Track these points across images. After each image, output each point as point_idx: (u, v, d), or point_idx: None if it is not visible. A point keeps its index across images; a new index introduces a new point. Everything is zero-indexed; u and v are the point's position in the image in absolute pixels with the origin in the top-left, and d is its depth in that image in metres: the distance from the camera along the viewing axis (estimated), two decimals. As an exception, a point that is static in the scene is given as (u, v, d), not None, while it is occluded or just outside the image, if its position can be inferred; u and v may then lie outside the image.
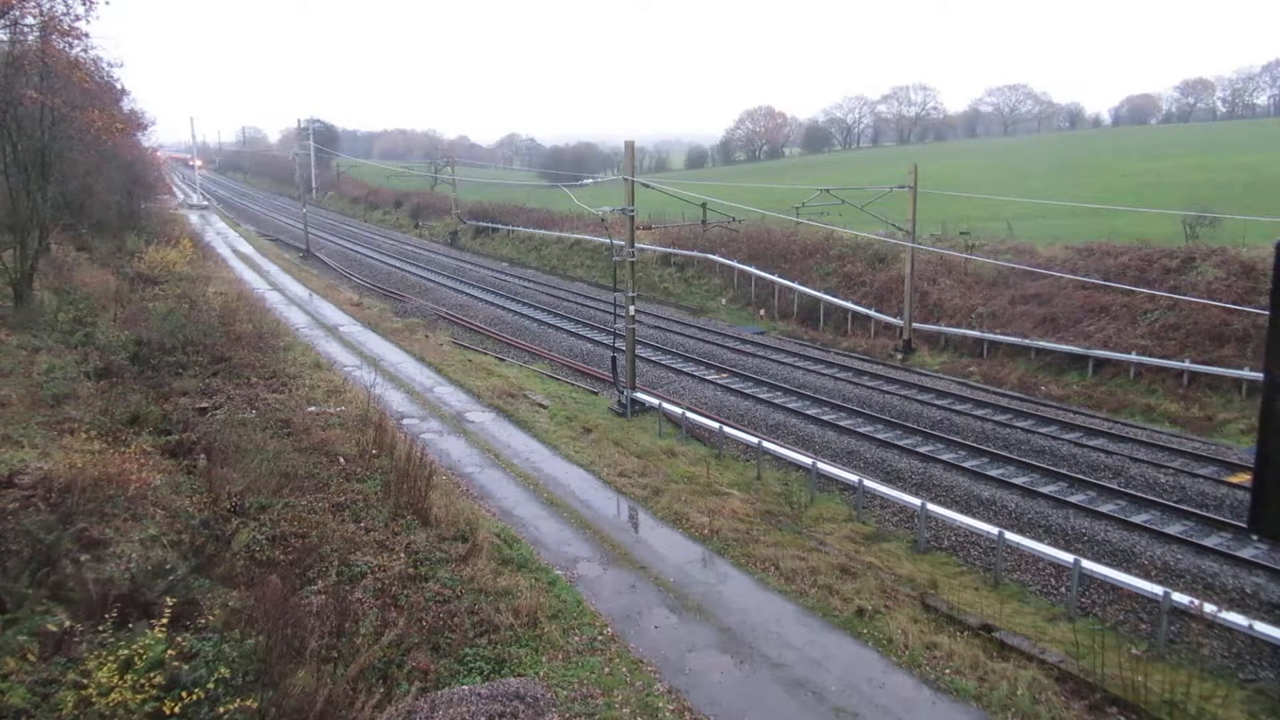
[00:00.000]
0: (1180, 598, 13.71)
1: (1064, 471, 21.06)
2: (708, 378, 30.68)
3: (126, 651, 8.53)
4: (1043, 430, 24.17)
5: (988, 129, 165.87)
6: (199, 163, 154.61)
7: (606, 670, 11.86)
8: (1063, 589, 15.55)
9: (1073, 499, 19.44)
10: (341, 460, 17.89)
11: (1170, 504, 18.96)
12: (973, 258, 36.55)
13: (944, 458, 22.20)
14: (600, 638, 12.70)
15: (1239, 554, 16.48)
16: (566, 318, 41.45)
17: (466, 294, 48.38)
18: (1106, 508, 18.90)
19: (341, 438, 19.34)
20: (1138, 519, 18.29)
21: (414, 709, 9.73)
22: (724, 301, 44.92)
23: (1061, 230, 41.31)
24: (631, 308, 26.05)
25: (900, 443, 23.42)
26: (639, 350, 29.88)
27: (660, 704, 11.13)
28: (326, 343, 33.08)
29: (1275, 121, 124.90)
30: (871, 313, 36.88)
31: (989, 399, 27.55)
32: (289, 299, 43.49)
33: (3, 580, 9.60)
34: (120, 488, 12.94)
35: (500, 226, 70.06)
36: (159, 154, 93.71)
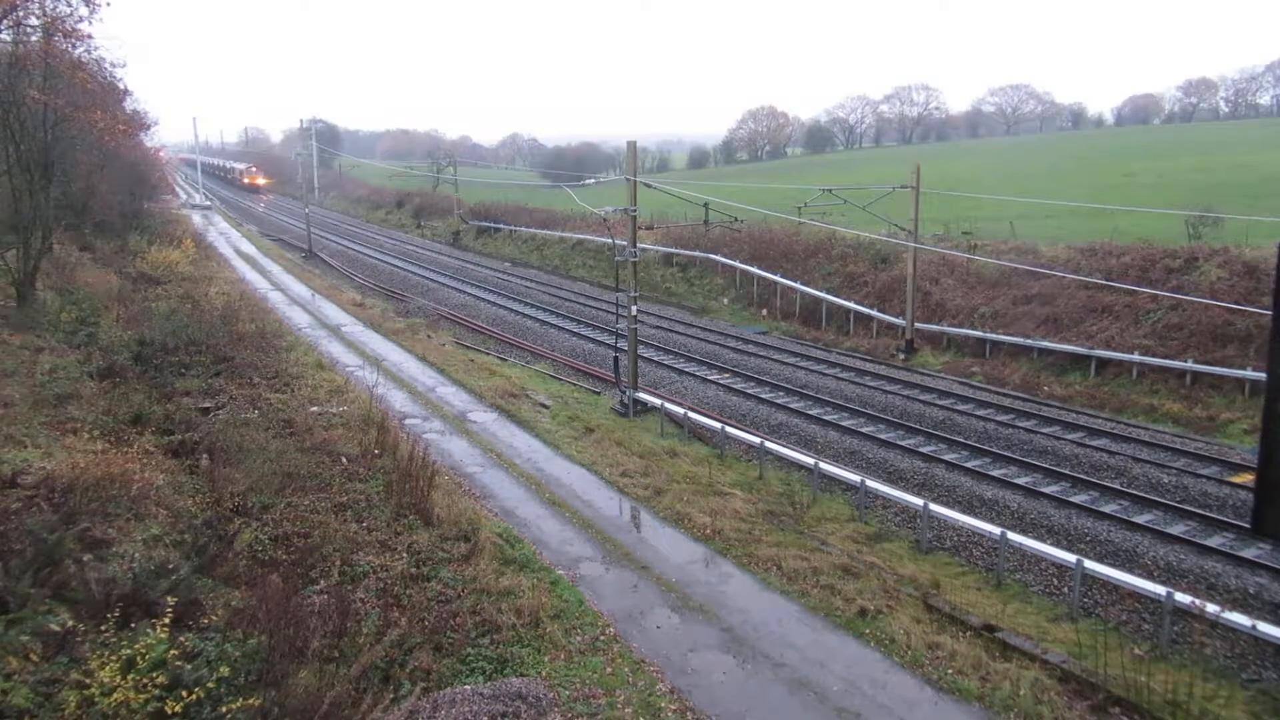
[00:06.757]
0: (1183, 598, 13.67)
1: (1066, 472, 21.02)
2: (710, 378, 30.66)
3: (129, 651, 8.55)
4: (1045, 430, 24.14)
5: (990, 129, 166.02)
6: (261, 178, 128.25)
7: (609, 670, 11.86)
8: (1065, 589, 15.53)
9: (1075, 499, 19.41)
10: (344, 460, 17.91)
11: (1173, 504, 18.92)
12: (975, 258, 36.52)
13: (946, 458, 22.17)
14: (602, 638, 12.70)
15: (1242, 554, 16.46)
16: (569, 318, 41.45)
17: (469, 294, 48.39)
18: (1109, 508, 18.87)
19: (344, 438, 19.37)
20: (1140, 519, 18.26)
21: (416, 709, 9.73)
22: (726, 301, 44.90)
23: (1064, 230, 41.26)
24: (634, 308, 26.04)
25: (902, 443, 23.39)
26: (641, 350, 29.89)
27: (662, 704, 11.13)
28: (329, 343, 33.11)
29: (1278, 121, 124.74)
30: (874, 313, 36.85)
31: (991, 399, 27.52)
32: (291, 299, 43.54)
33: (6, 580, 9.61)
34: (123, 488, 12.97)
35: (502, 226, 70.06)
36: (162, 154, 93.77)
